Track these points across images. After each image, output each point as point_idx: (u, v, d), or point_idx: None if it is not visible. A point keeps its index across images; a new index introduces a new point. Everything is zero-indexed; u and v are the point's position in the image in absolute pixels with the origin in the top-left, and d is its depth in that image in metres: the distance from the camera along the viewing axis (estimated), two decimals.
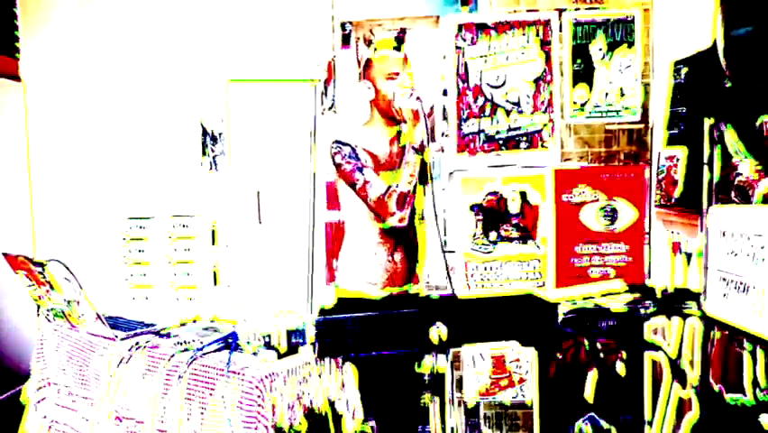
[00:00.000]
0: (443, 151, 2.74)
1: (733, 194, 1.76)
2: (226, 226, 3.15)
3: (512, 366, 2.76)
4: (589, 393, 2.17)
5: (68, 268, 2.11)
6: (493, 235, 2.72)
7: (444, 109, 2.72)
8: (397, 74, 2.33)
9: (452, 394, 2.72)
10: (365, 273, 2.43)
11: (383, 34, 2.73)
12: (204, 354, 1.99)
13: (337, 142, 2.32)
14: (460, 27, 2.68)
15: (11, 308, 3.31)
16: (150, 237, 3.21)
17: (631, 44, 2.62)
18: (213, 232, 3.18)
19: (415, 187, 2.35)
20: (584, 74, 2.65)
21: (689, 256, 2.23)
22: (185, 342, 2.05)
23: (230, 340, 2.03)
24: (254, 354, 1.97)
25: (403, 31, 2.36)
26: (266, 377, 1.83)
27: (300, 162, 2.67)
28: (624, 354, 2.26)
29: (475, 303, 1.84)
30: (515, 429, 2.79)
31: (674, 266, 2.38)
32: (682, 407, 2.25)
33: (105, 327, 2.19)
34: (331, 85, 2.76)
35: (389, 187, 2.32)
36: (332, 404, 2.07)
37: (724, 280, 1.73)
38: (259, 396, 1.79)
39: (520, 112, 2.68)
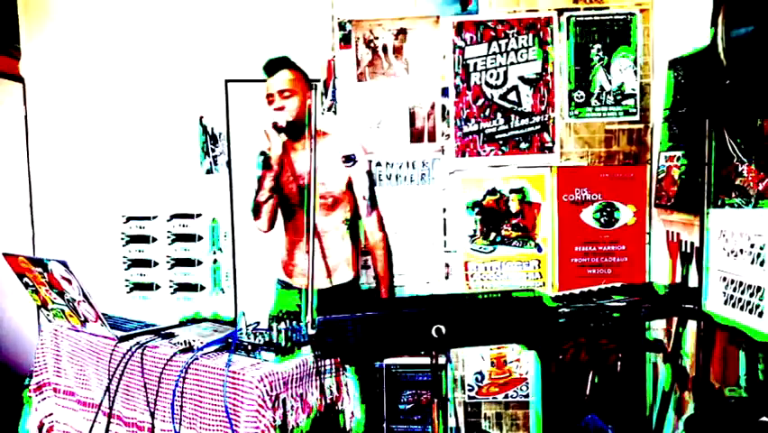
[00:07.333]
0: (442, 151, 2.74)
1: (733, 194, 1.76)
2: (225, 226, 3.15)
3: (512, 366, 2.76)
4: (589, 393, 2.17)
5: (68, 268, 2.11)
6: (493, 235, 2.72)
7: (444, 109, 2.72)
8: (272, 96, 2.41)
9: (453, 394, 2.73)
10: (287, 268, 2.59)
11: (383, 34, 2.73)
12: (204, 354, 1.99)
13: (261, 152, 2.44)
14: (460, 27, 2.68)
15: (11, 308, 3.31)
16: (150, 237, 3.22)
17: (631, 44, 2.62)
18: (213, 232, 3.18)
19: (271, 198, 2.44)
20: (584, 74, 2.65)
21: (689, 256, 2.23)
22: (185, 342, 2.05)
23: (230, 340, 2.03)
24: (254, 353, 1.97)
25: (275, 62, 2.43)
26: (266, 377, 1.83)
27: None
28: (624, 354, 2.26)
29: (475, 303, 1.84)
30: (515, 429, 2.80)
31: (674, 266, 2.39)
32: (682, 405, 2.26)
33: (106, 327, 2.19)
34: (331, 85, 2.76)
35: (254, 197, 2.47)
36: (332, 404, 2.07)
37: (724, 279, 1.73)
38: (259, 396, 1.79)
39: (520, 112, 2.68)
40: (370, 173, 2.44)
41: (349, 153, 2.41)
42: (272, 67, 2.42)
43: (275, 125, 2.36)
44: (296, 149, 2.49)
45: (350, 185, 2.42)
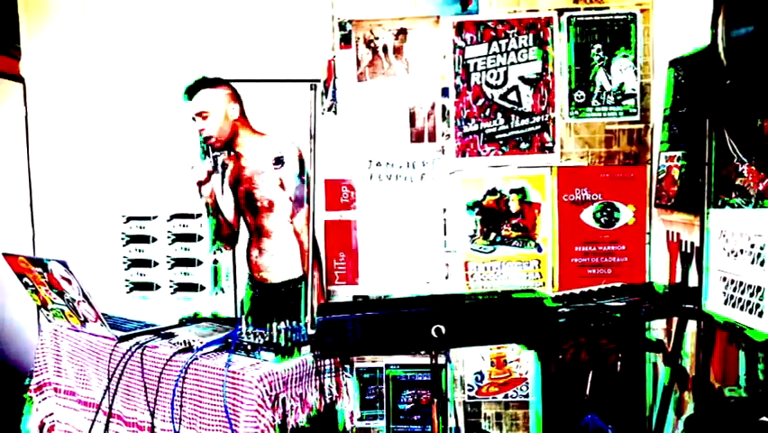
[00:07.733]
0: (443, 152, 2.74)
1: (733, 194, 1.76)
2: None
3: (512, 366, 2.76)
4: (589, 393, 2.16)
5: (68, 268, 2.11)
6: (493, 235, 2.72)
7: (444, 109, 2.72)
8: (195, 119, 2.53)
9: (453, 394, 2.73)
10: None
11: (383, 34, 2.73)
12: (203, 354, 1.99)
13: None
14: (460, 27, 2.68)
15: (12, 309, 3.32)
16: (150, 237, 3.22)
17: (631, 44, 2.62)
18: (213, 232, 3.17)
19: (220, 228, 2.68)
20: (584, 74, 2.65)
21: (689, 256, 2.23)
22: (185, 342, 2.05)
23: (230, 340, 2.03)
24: (254, 353, 1.97)
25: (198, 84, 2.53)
26: (265, 377, 1.83)
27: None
28: (623, 354, 2.26)
29: (475, 303, 1.84)
30: (515, 429, 2.80)
31: (674, 266, 2.39)
32: (682, 405, 2.26)
33: (106, 327, 2.19)
34: (331, 85, 2.76)
35: None
36: (332, 404, 2.07)
37: (724, 279, 1.73)
38: (258, 396, 1.79)
39: (520, 112, 2.68)
40: (300, 175, 2.47)
41: (279, 155, 2.45)
42: (191, 92, 2.52)
43: (199, 183, 2.53)
44: (236, 158, 2.59)
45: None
